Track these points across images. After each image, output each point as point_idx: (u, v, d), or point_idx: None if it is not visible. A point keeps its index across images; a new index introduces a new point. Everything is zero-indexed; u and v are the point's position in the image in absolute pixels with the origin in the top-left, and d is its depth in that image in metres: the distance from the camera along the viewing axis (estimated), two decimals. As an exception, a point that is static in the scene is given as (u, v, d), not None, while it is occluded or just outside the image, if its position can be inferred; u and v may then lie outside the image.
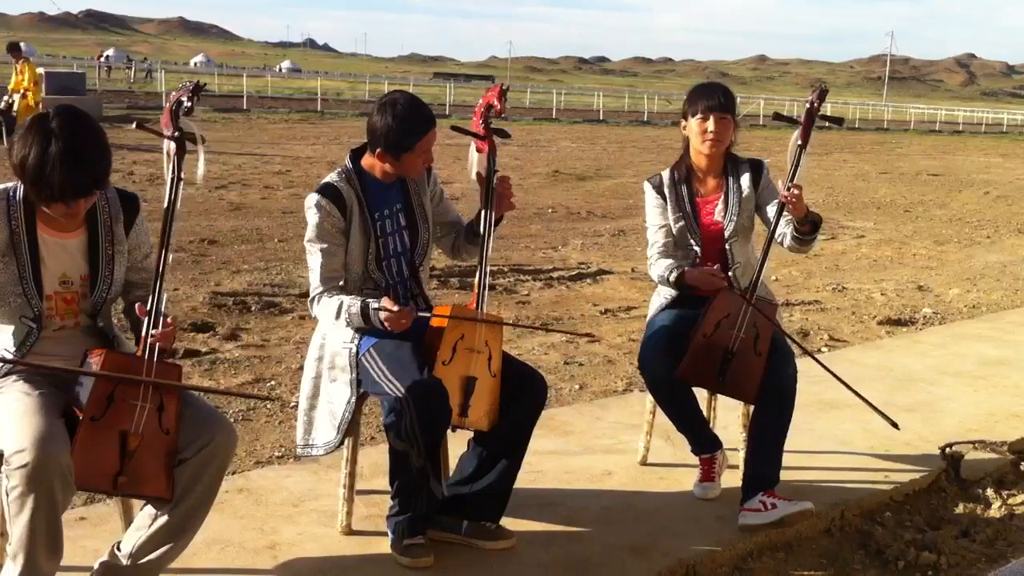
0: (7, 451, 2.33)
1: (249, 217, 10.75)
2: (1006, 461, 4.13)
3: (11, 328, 2.61)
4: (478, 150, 3.26)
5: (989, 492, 3.86)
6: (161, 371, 2.52)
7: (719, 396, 3.81)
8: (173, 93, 2.67)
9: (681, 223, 3.60)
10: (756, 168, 3.64)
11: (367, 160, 3.14)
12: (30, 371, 2.58)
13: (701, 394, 3.60)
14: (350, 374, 3.04)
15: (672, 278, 3.50)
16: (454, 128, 3.42)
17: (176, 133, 2.62)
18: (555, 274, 8.59)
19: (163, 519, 2.55)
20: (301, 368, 3.80)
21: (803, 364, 3.57)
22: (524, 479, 3.28)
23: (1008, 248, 11.55)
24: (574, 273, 8.70)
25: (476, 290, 3.15)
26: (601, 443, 4.13)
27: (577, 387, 5.36)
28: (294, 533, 3.18)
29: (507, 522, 3.19)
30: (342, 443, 3.09)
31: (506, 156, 17.28)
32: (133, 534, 2.59)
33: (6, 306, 2.59)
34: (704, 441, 3.62)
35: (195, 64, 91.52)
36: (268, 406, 4.74)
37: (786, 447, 3.41)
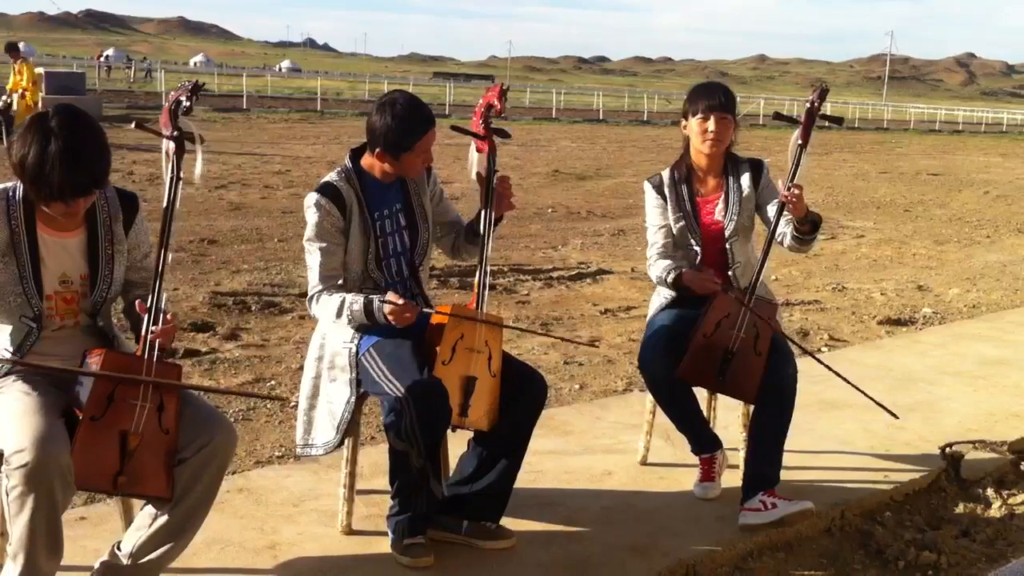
0: (7, 451, 2.33)
1: (249, 217, 10.75)
2: (1006, 461, 4.13)
3: (11, 328, 2.61)
4: (478, 150, 3.26)
5: (989, 492, 3.86)
6: (161, 371, 2.52)
7: (719, 396, 3.81)
8: (172, 93, 2.66)
9: (681, 223, 3.60)
10: (756, 168, 3.64)
11: (367, 160, 3.14)
12: (30, 371, 2.58)
13: (701, 394, 3.60)
14: (350, 374, 3.04)
15: (669, 279, 3.51)
16: (454, 128, 3.42)
17: (175, 133, 2.62)
18: (555, 274, 8.59)
19: (163, 519, 2.54)
20: (301, 368, 3.80)
21: (803, 364, 3.56)
22: (524, 479, 3.28)
23: (1008, 248, 11.55)
24: (574, 273, 8.70)
25: (476, 290, 3.14)
26: (601, 443, 4.13)
27: (577, 387, 5.36)
28: (294, 533, 3.18)
29: (507, 522, 3.19)
30: (342, 443, 3.09)
31: (506, 156, 17.27)
32: (133, 534, 2.59)
33: (6, 306, 2.58)
34: (704, 441, 3.62)
35: (195, 64, 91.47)
36: (268, 406, 4.73)
37: (786, 447, 3.41)
